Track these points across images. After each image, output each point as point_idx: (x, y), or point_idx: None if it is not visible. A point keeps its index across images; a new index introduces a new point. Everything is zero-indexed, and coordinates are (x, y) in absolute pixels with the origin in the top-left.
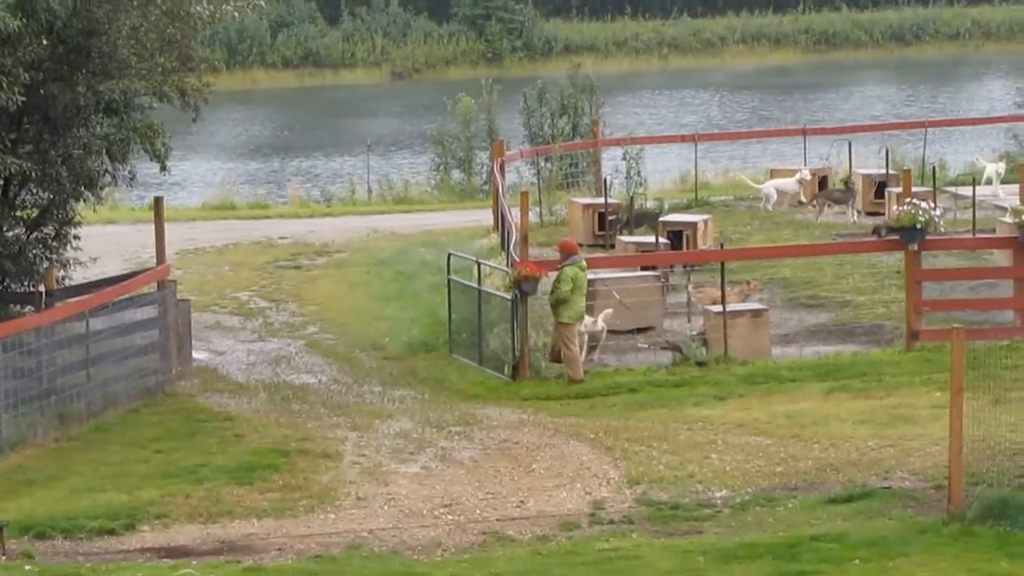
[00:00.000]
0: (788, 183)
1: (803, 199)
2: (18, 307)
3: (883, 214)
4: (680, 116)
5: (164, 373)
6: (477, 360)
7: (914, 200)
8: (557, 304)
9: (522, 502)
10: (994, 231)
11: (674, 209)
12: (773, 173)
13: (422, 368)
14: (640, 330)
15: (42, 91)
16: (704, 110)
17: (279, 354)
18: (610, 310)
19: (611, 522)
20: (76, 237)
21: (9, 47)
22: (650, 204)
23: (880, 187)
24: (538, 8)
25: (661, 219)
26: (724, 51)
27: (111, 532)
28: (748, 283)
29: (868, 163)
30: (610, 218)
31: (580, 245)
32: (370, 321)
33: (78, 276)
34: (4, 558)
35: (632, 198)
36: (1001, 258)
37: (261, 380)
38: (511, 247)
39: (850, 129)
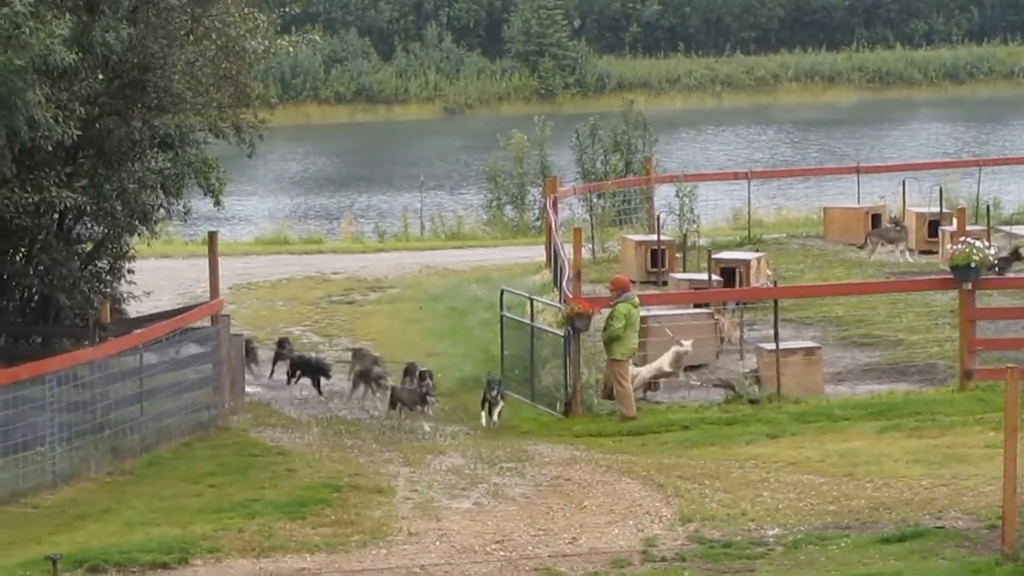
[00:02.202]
0: None
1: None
2: (72, 341)
3: (937, 252)
4: (750, 152)
5: (217, 407)
6: (529, 396)
7: (968, 239)
8: (610, 341)
9: (574, 539)
10: None
11: (727, 247)
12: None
13: (474, 404)
14: (693, 367)
15: (97, 125)
16: (772, 147)
17: (331, 389)
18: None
19: (663, 559)
20: (130, 271)
21: (65, 81)
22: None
23: (933, 225)
24: (591, 45)
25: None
26: (778, 88)
27: (164, 566)
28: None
29: (926, 201)
30: None
31: (632, 282)
32: (422, 357)
33: (132, 310)
34: None
35: (685, 235)
36: None
37: (314, 415)
38: (564, 283)
39: (904, 167)
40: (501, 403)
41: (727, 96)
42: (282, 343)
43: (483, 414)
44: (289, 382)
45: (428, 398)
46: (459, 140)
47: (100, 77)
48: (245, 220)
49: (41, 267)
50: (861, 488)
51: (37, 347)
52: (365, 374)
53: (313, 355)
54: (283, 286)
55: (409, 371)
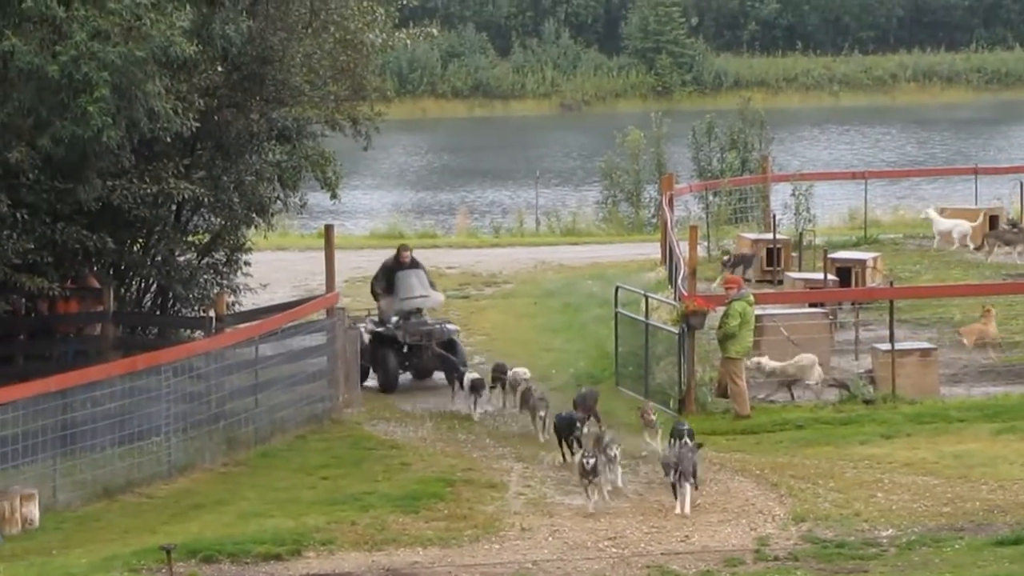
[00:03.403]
0: (965, 224)
1: (970, 243)
2: (188, 332)
3: None
4: (876, 152)
5: (331, 400)
6: (643, 393)
7: None
8: (725, 339)
9: (686, 536)
10: None
11: (843, 246)
12: (943, 213)
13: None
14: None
15: (216, 117)
16: (899, 147)
17: (446, 384)
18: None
19: (776, 559)
20: (246, 263)
21: (184, 73)
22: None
23: None
24: (708, 43)
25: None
26: (895, 88)
27: (277, 557)
28: (987, 309)
29: None
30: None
31: (747, 280)
32: (537, 352)
33: (248, 302)
34: None
35: (801, 234)
36: None
37: (427, 409)
38: (679, 281)
39: (1023, 169)
40: (689, 488)
41: (844, 95)
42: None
43: (678, 505)
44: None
45: (591, 464)
46: (575, 136)
47: (219, 69)
48: (362, 213)
49: (159, 258)
50: (976, 490)
51: (154, 338)
52: (597, 440)
53: (567, 414)
54: None
55: (675, 433)
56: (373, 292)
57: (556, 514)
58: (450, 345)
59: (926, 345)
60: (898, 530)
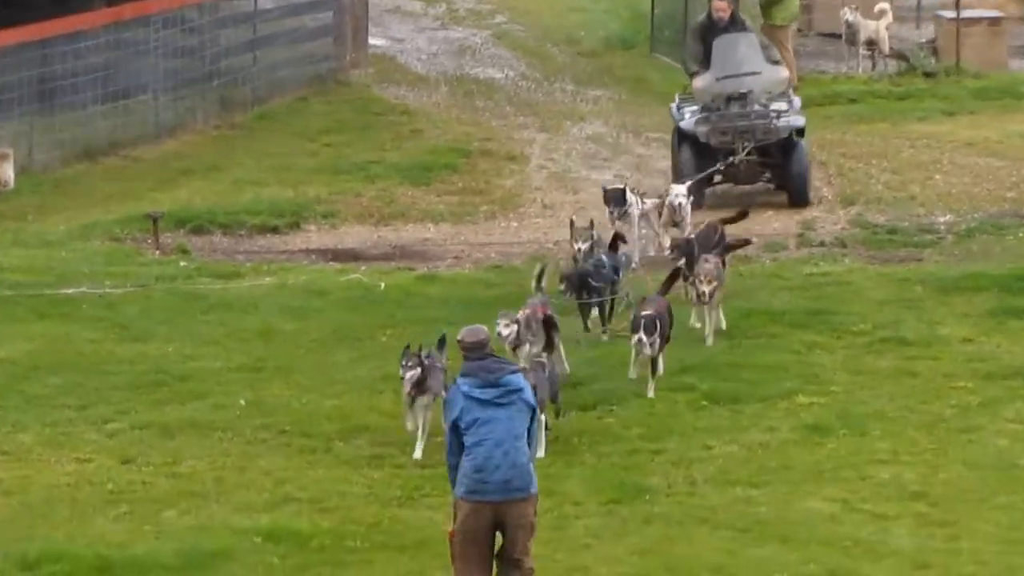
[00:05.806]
0: None
1: None
2: None
3: None
4: None
5: (337, 60)
6: (680, 60)
7: None
8: (769, 5)
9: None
10: None
11: None
12: None
13: (619, 66)
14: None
15: None
16: None
17: (463, 44)
18: None
19: (821, 244)
20: None
21: None
22: None
23: None
24: None
25: None
26: None
27: (274, 230)
28: None
29: None
30: None
31: None
32: (564, 12)
33: None
34: (158, 253)
35: None
36: None
37: (443, 72)
38: None
39: None
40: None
41: None
42: None
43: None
44: None
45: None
46: None
47: None
48: None
49: None
50: None
51: None
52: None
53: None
54: None
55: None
56: (685, 66)
57: (581, 190)
58: (786, 147)
59: (995, 13)
60: (957, 216)
